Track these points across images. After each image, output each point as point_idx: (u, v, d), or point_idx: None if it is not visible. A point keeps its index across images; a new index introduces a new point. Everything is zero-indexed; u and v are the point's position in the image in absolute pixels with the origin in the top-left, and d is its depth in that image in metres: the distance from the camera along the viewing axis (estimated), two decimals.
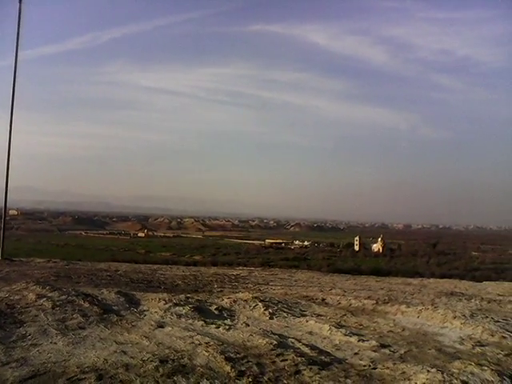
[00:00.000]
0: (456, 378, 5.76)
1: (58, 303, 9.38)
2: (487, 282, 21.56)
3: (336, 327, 8.74)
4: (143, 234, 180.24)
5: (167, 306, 9.88)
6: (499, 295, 15.16)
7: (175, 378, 5.64)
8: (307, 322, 9.32)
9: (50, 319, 8.32)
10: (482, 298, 13.65)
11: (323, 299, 12.64)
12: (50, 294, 10.11)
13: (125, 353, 6.57)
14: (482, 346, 7.81)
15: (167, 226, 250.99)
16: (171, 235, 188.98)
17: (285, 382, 5.75)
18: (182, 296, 11.10)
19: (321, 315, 10.19)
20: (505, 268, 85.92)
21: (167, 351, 6.73)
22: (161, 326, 8.35)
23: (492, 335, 8.44)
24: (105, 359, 6.24)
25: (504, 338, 8.27)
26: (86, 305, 9.47)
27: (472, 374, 5.97)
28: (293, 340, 7.80)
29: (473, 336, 8.50)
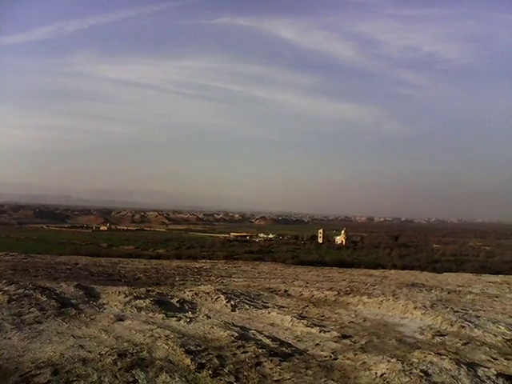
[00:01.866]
0: (415, 368, 5.81)
1: (14, 297, 9.13)
2: (447, 274, 21.99)
3: (298, 318, 8.76)
4: (106, 228, 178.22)
5: (127, 299, 9.74)
6: (459, 286, 15.45)
7: (133, 372, 5.53)
8: (269, 313, 9.31)
9: (4, 314, 8.08)
10: (442, 289, 13.88)
11: (286, 291, 12.67)
12: (5, 288, 9.83)
13: (82, 347, 6.41)
14: (442, 335, 7.93)
15: (130, 220, 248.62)
16: (134, 229, 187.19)
17: (245, 373, 5.70)
18: (143, 289, 10.97)
19: (283, 307, 10.19)
20: (465, 260, 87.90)
21: (126, 345, 6.61)
22: (120, 319, 8.21)
23: (451, 325, 8.58)
24: (61, 354, 6.08)
25: (463, 327, 8.41)
26: (44, 298, 9.24)
27: (431, 363, 6.04)
28: (254, 332, 7.78)
29: (433, 326, 8.62)
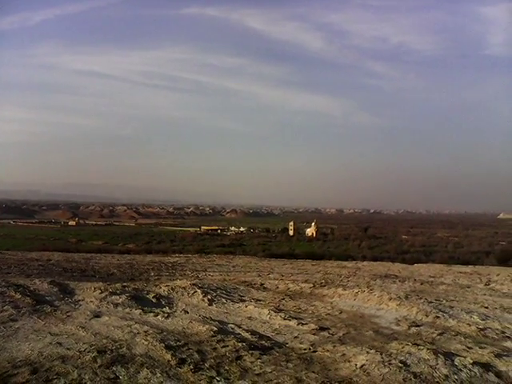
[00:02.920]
0: (394, 358, 5.91)
1: None
2: (419, 265, 22.32)
3: (275, 311, 8.81)
4: (74, 223, 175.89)
5: (103, 295, 9.67)
6: (431, 277, 15.70)
7: (114, 369, 5.49)
8: (246, 307, 9.34)
9: None
10: (415, 280, 14.10)
11: (262, 284, 12.71)
12: None
13: (60, 344, 6.35)
14: (418, 326, 8.06)
15: (99, 214, 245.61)
16: (103, 223, 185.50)
17: (226, 368, 5.71)
18: (118, 285, 10.89)
19: (260, 300, 10.23)
20: (433, 250, 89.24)
21: (105, 341, 6.56)
22: (97, 315, 8.15)
23: (426, 315, 8.73)
24: (39, 352, 6.00)
25: (437, 317, 8.57)
26: (18, 296, 9.11)
27: (409, 353, 6.14)
28: (233, 326, 7.80)
29: (408, 317, 8.76)
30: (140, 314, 8.47)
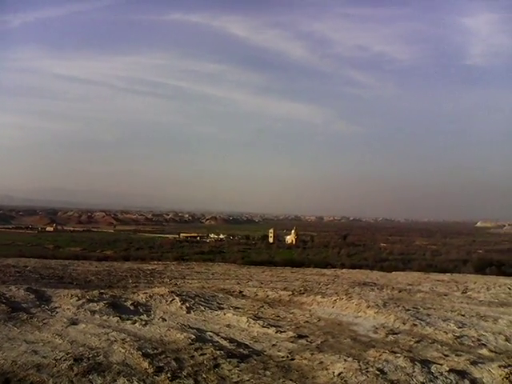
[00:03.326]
0: (372, 366, 5.94)
1: None
2: (397, 273, 22.50)
3: (254, 319, 8.79)
4: (52, 229, 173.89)
5: (80, 302, 9.57)
6: (409, 285, 15.83)
7: (90, 377, 5.44)
8: (225, 314, 9.32)
9: None
10: (393, 288, 14.20)
11: (240, 291, 12.70)
12: None
13: (36, 352, 6.26)
14: (395, 334, 8.12)
15: (77, 220, 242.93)
16: (81, 229, 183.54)
17: (204, 376, 5.69)
18: (96, 292, 10.79)
19: (238, 308, 10.21)
20: (412, 258, 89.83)
21: (81, 349, 6.49)
22: (74, 323, 8.06)
23: (404, 323, 8.80)
24: (13, 361, 5.91)
25: (415, 325, 8.65)
26: None
27: (387, 361, 6.18)
28: (211, 333, 7.78)
29: (386, 325, 8.82)
30: (117, 321, 8.39)
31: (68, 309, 9.10)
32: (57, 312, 8.90)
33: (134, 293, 11.30)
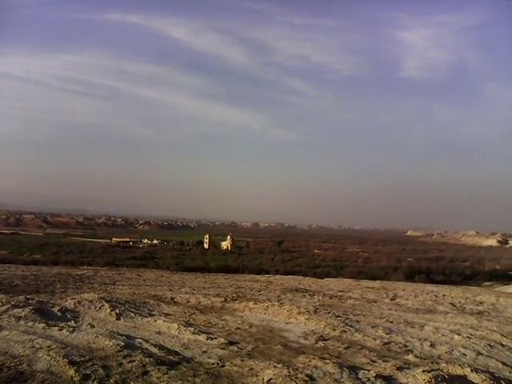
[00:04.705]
0: (301, 372, 5.98)
1: None
2: (329, 279, 22.88)
3: (185, 326, 8.71)
4: None
5: (4, 307, 9.20)
6: (340, 291, 16.10)
7: None
8: (155, 321, 9.18)
9: None
10: (325, 294, 14.41)
11: (172, 298, 12.55)
12: None
13: None
14: (325, 340, 8.23)
15: (4, 223, 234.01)
16: (9, 232, 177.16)
17: (132, 383, 5.56)
18: (22, 297, 10.42)
19: (169, 314, 10.09)
20: (344, 265, 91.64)
21: (3, 358, 6.20)
22: None
23: (334, 329, 8.93)
24: None
25: (344, 332, 8.80)
26: None
27: (315, 367, 6.24)
28: (140, 340, 7.63)
29: (316, 331, 8.93)
30: (44, 327, 8.11)
31: None
32: None
33: (61, 298, 10.98)
